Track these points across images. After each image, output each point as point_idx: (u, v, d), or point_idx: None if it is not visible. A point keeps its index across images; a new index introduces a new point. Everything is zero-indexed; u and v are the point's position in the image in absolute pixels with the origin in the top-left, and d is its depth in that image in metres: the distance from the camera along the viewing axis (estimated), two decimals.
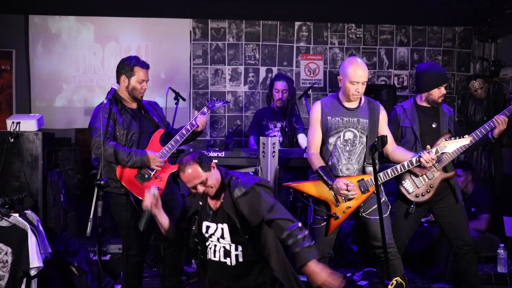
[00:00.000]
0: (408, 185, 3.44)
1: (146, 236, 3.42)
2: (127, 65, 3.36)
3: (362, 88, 3.13)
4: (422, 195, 3.43)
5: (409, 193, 3.45)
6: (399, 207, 3.54)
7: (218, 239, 2.75)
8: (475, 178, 4.74)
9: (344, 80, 3.14)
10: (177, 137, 3.37)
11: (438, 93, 3.47)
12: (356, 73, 3.09)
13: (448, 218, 3.51)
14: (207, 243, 2.81)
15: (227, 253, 2.72)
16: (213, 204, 2.77)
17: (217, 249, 2.75)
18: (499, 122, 3.37)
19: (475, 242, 3.76)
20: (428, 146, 3.10)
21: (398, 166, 3.13)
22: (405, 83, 6.19)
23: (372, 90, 5.35)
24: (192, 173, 2.59)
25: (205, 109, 3.45)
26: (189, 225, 2.82)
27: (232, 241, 2.70)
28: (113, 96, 3.33)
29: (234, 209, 2.64)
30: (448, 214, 3.51)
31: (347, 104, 3.21)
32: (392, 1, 5.45)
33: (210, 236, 2.77)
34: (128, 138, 3.31)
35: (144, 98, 3.51)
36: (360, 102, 3.23)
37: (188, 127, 3.37)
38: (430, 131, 3.49)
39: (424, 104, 3.55)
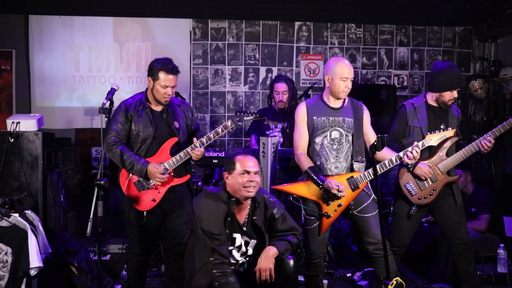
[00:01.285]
0: (411, 188, 3.44)
1: (151, 237, 3.38)
2: (154, 68, 3.24)
3: (351, 84, 3.20)
4: (425, 198, 3.43)
5: (411, 195, 3.44)
6: (401, 207, 3.53)
7: (244, 256, 2.89)
8: (474, 178, 4.73)
9: (333, 78, 3.18)
10: (185, 151, 3.21)
11: (450, 95, 3.44)
12: (345, 70, 3.17)
13: (447, 218, 3.52)
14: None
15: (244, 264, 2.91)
16: (240, 217, 2.87)
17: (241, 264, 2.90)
18: (484, 148, 3.35)
19: (475, 242, 3.76)
20: (416, 142, 3.16)
21: (386, 162, 3.16)
22: (405, 83, 6.18)
23: (372, 90, 5.36)
24: (253, 159, 2.87)
25: (229, 123, 3.25)
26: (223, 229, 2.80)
27: (254, 255, 2.88)
28: (143, 94, 3.33)
29: (267, 226, 2.87)
30: (447, 214, 3.51)
31: (331, 104, 3.26)
32: (392, 1, 5.45)
33: (236, 250, 2.87)
34: (140, 141, 3.25)
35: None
36: (344, 102, 3.28)
37: (190, 149, 3.20)
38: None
39: (434, 103, 3.51)
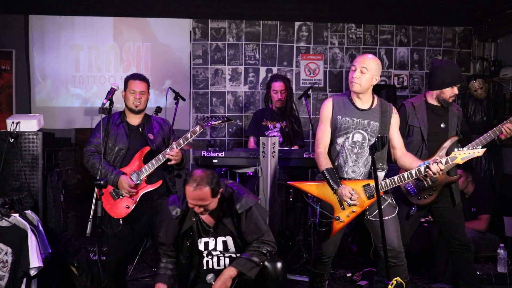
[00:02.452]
0: (410, 188, 3.43)
1: (128, 244, 3.41)
2: (125, 80, 3.48)
3: (359, 75, 3.01)
4: (424, 198, 3.42)
5: (411, 196, 3.44)
6: (400, 208, 3.52)
7: (221, 252, 2.85)
8: (474, 178, 4.73)
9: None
10: (157, 158, 3.30)
11: (450, 92, 3.40)
12: (357, 59, 3.05)
13: (445, 219, 3.51)
14: (205, 258, 2.88)
15: (233, 260, 2.83)
16: (208, 218, 2.85)
17: (221, 259, 2.86)
18: (508, 131, 3.34)
19: (475, 242, 3.76)
20: (437, 158, 2.99)
21: (405, 174, 3.02)
22: (405, 83, 6.19)
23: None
24: (201, 195, 2.64)
25: (197, 128, 3.29)
26: (182, 242, 2.87)
27: (237, 251, 2.84)
28: (122, 111, 3.48)
29: (233, 223, 2.80)
30: (445, 215, 3.50)
31: (359, 104, 3.10)
32: (392, 1, 5.45)
33: (209, 253, 2.86)
34: (115, 152, 3.37)
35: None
36: (372, 103, 3.12)
37: (162, 155, 3.29)
38: (438, 131, 3.44)
39: (435, 102, 3.48)
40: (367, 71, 3.01)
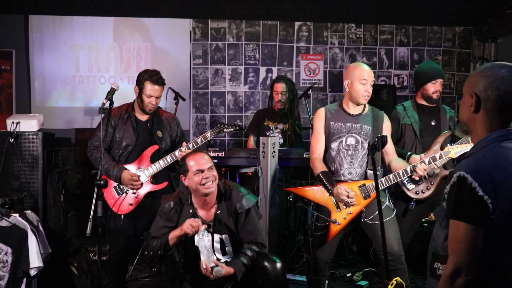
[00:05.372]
0: (408, 183, 3.45)
1: (129, 240, 3.42)
2: (141, 78, 3.40)
3: (371, 89, 3.13)
4: (422, 192, 3.44)
5: (409, 190, 3.47)
6: (399, 206, 3.54)
7: (218, 255, 2.84)
8: None
9: (353, 82, 3.11)
10: (165, 159, 3.32)
11: (432, 87, 3.54)
12: (365, 73, 3.11)
13: None
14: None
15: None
16: (205, 214, 2.85)
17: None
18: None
19: None
20: (422, 155, 3.11)
21: (400, 172, 3.08)
22: (405, 83, 6.19)
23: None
24: (203, 155, 2.81)
25: (208, 134, 3.32)
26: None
27: (234, 250, 2.85)
28: (131, 104, 3.46)
29: (231, 220, 2.81)
30: None
31: (351, 111, 3.19)
32: (392, 1, 5.45)
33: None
34: (122, 148, 3.37)
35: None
36: (364, 110, 3.21)
37: (170, 157, 3.31)
38: (429, 128, 3.54)
39: (423, 102, 3.62)
40: (372, 84, 3.17)
